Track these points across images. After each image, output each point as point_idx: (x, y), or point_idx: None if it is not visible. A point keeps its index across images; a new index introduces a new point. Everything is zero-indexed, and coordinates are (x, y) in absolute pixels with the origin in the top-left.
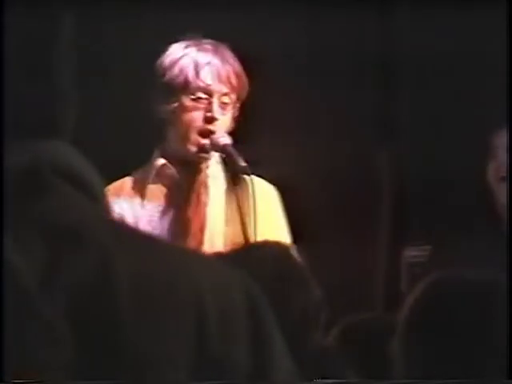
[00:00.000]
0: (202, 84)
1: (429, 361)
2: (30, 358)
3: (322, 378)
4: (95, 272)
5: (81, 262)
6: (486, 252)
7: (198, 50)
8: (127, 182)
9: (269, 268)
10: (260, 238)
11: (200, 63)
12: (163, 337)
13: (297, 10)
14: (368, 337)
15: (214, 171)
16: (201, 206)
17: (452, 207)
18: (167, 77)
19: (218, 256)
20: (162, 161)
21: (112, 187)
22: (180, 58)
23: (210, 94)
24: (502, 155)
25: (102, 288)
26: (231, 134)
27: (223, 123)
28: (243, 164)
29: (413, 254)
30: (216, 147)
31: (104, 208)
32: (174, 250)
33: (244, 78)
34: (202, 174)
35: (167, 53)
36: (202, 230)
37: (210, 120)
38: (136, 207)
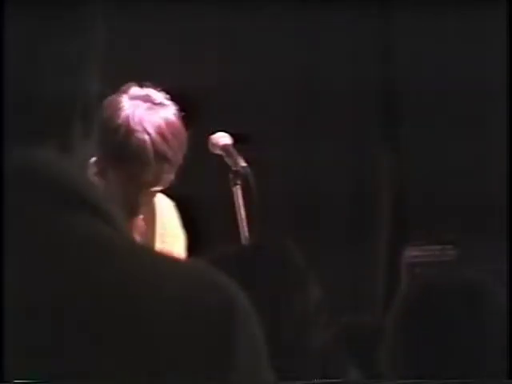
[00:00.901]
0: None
1: (426, 361)
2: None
3: (322, 378)
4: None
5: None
6: (486, 252)
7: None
8: None
9: (268, 269)
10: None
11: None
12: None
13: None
14: (368, 337)
15: None
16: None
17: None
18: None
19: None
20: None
21: None
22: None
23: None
24: None
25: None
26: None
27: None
28: (243, 164)
29: (413, 253)
30: (216, 147)
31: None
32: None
33: (181, 136)
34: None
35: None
36: None
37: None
38: None
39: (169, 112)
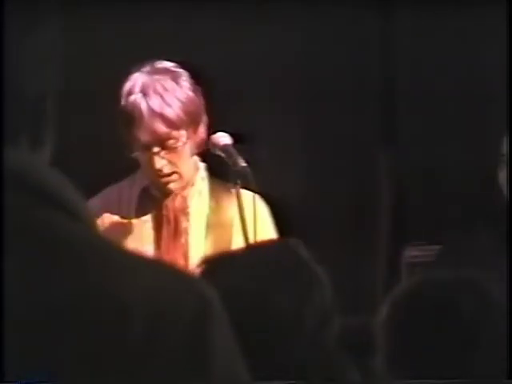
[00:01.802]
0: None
1: (426, 361)
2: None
3: (322, 379)
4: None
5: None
6: (486, 252)
7: (148, 93)
8: (111, 198)
9: (276, 268)
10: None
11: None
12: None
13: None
14: (367, 337)
15: (199, 188)
16: (180, 234)
17: (452, 207)
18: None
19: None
20: (144, 182)
21: (98, 201)
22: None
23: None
24: None
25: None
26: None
27: (183, 162)
28: (243, 164)
29: (413, 254)
30: (216, 147)
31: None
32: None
33: (195, 107)
34: (180, 201)
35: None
36: (185, 256)
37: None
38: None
39: (172, 75)
